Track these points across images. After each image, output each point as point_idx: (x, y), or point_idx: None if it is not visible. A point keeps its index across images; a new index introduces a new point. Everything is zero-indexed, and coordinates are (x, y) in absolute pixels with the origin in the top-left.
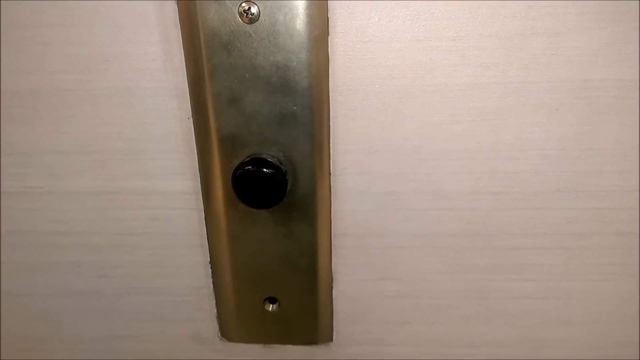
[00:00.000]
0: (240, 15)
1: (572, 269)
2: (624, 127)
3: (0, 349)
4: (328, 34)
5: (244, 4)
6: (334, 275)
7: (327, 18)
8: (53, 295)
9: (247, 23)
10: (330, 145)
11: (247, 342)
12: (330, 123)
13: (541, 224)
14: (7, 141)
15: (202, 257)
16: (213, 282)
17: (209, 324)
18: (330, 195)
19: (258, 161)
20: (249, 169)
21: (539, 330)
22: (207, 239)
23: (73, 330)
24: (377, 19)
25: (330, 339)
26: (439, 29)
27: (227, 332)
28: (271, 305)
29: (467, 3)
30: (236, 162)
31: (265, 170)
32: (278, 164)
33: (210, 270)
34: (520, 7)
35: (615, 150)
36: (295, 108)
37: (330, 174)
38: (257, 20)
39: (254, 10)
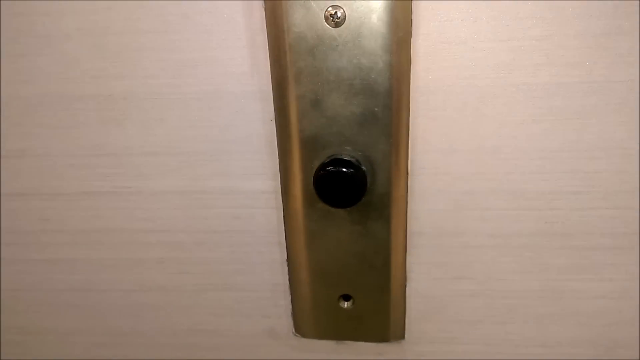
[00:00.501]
0: (326, 19)
1: None
2: None
3: (84, 342)
4: (411, 36)
5: (330, 8)
6: (408, 274)
7: (411, 20)
8: (136, 291)
9: (332, 27)
10: (409, 145)
11: (320, 338)
12: (410, 123)
13: (621, 223)
14: (98, 142)
15: (279, 254)
16: (289, 279)
17: (284, 320)
18: (407, 195)
19: (339, 162)
20: (330, 169)
21: (613, 330)
22: (285, 237)
23: (153, 324)
24: (460, 20)
25: (402, 337)
26: (523, 29)
27: (301, 328)
28: (345, 302)
29: (552, 3)
30: (316, 163)
31: (346, 170)
32: (358, 164)
33: (287, 268)
34: (607, 7)
35: None
36: (376, 109)
37: (407, 174)
38: (343, 23)
39: (340, 14)
